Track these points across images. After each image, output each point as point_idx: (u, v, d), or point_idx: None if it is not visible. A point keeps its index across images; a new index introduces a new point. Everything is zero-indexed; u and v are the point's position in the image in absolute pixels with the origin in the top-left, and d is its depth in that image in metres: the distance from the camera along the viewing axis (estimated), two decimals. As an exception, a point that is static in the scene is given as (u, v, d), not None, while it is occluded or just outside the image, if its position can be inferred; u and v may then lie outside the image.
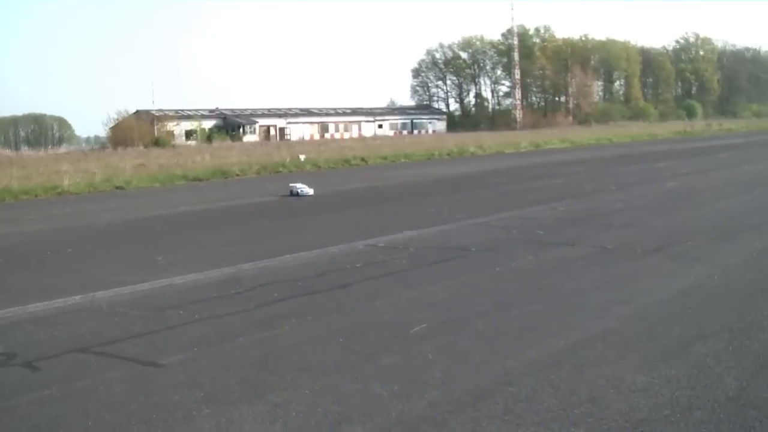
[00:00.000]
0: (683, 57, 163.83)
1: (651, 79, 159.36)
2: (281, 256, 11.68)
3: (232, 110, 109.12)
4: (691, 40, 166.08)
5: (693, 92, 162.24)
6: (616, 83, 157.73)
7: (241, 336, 7.35)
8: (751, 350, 6.46)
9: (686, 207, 16.16)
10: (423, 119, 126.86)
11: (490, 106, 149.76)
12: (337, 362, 6.43)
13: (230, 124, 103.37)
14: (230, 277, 10.35)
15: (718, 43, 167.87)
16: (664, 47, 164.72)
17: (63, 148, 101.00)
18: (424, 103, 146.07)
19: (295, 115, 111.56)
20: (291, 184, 23.57)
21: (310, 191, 22.78)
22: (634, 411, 5.20)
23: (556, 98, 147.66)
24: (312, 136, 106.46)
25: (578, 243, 11.99)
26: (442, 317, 7.78)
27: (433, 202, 19.03)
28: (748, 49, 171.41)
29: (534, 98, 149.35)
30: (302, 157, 39.27)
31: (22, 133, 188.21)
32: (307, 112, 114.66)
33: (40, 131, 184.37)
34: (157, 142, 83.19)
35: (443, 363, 6.28)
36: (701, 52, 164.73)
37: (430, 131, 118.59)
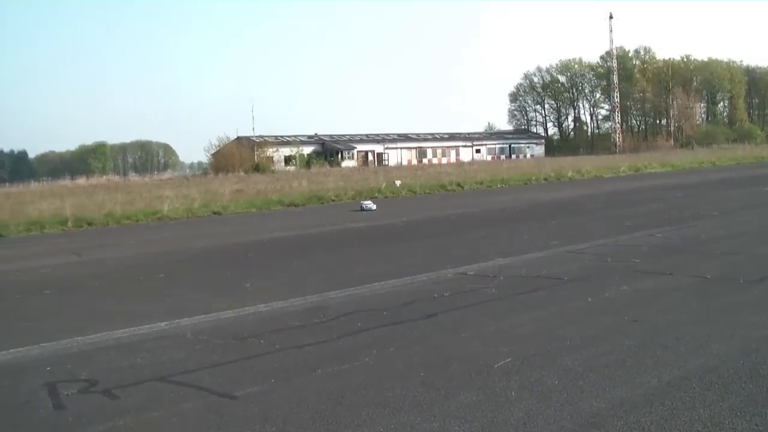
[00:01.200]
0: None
1: (757, 100, 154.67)
2: (369, 284, 11.56)
3: (331, 136, 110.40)
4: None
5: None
6: (720, 104, 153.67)
7: (319, 368, 7.19)
8: None
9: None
10: (521, 144, 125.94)
11: (589, 130, 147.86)
12: (416, 398, 6.21)
13: (329, 150, 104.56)
14: (315, 305, 10.26)
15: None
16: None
17: (167, 174, 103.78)
18: (522, 127, 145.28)
19: (393, 140, 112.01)
20: (362, 202, 28.78)
21: (374, 206, 27.89)
22: (735, 460, 4.84)
23: (657, 121, 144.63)
24: (410, 161, 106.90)
25: (676, 272, 11.47)
26: (528, 351, 7.47)
27: (527, 228, 18.65)
28: None
29: (634, 121, 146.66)
30: (398, 183, 39.32)
31: (130, 160, 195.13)
32: (405, 138, 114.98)
33: (147, 158, 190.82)
34: (257, 168, 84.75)
35: (526, 402, 5.99)
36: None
37: (528, 156, 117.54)
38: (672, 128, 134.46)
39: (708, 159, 63.21)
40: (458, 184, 39.77)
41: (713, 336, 7.78)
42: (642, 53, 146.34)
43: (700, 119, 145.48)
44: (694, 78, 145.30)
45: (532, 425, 5.50)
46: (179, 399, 6.48)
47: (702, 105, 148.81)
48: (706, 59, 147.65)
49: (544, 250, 14.32)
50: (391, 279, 11.89)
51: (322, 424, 5.72)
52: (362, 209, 27.43)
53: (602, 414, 5.68)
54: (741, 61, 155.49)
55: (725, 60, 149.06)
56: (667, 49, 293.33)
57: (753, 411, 5.65)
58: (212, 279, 13.44)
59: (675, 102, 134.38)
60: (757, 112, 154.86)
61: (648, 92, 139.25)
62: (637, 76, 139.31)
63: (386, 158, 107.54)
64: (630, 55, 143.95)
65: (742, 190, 28.69)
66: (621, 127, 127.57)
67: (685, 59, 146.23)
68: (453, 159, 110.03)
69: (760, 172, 42.79)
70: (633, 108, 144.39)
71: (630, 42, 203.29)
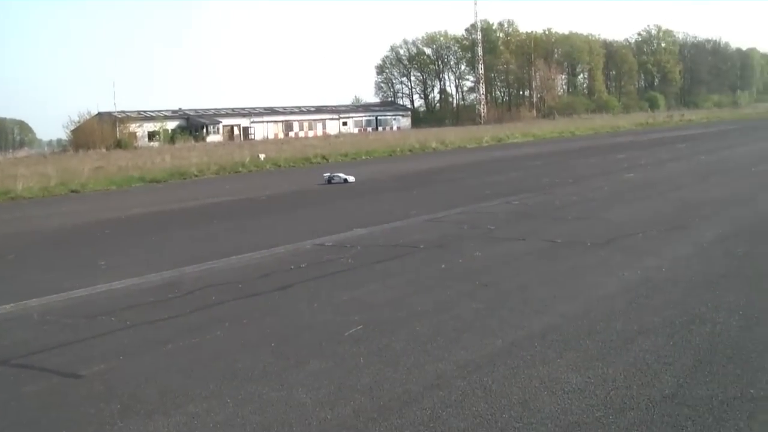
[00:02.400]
0: (645, 49, 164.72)
1: (614, 72, 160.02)
2: (226, 258, 11.43)
3: (196, 110, 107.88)
4: (653, 32, 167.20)
5: (655, 84, 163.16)
6: (580, 76, 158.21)
7: (170, 343, 7.09)
8: (692, 345, 6.33)
9: (641, 198, 16.06)
10: (387, 116, 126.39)
11: (455, 102, 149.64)
12: (265, 368, 6.21)
13: (193, 125, 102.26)
14: (171, 280, 10.09)
15: (680, 36, 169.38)
16: (626, 40, 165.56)
17: (23, 152, 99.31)
18: (389, 99, 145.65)
19: (259, 114, 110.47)
20: (329, 174, 25.73)
21: (351, 178, 25.09)
22: (566, 414, 5.05)
23: (521, 92, 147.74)
24: (276, 135, 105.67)
25: (529, 237, 11.85)
26: (379, 318, 7.57)
27: (388, 199, 18.83)
28: (708, 41, 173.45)
29: (498, 93, 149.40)
30: (262, 157, 38.93)
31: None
32: (271, 111, 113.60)
33: (0, 135, 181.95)
34: (119, 144, 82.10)
35: (374, 367, 6.08)
36: (663, 45, 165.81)
37: (395, 128, 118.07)
38: (535, 99, 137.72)
39: (568, 129, 65.15)
40: (323, 157, 39.66)
41: (558, 297, 8.09)
42: (505, 26, 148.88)
43: (562, 90, 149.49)
44: (556, 50, 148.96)
45: (379, 389, 5.58)
46: (19, 382, 6.24)
47: (563, 77, 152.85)
48: (567, 32, 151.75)
49: (404, 220, 14.49)
50: (249, 252, 11.78)
51: (169, 398, 5.65)
52: (330, 182, 24.99)
53: (447, 375, 5.82)
54: (599, 34, 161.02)
55: (585, 34, 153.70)
56: (529, 23, 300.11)
57: (587, 365, 5.92)
58: (65, 258, 13.02)
59: (537, 74, 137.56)
60: (614, 84, 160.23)
61: (512, 64, 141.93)
62: (501, 48, 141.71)
63: (252, 132, 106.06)
64: (494, 27, 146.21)
65: (598, 158, 29.75)
66: (486, 99, 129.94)
67: (547, 32, 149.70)
68: (320, 132, 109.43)
69: (616, 141, 44.49)
70: (497, 80, 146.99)
71: (494, 15, 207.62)
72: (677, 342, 6.42)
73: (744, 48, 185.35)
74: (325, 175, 25.89)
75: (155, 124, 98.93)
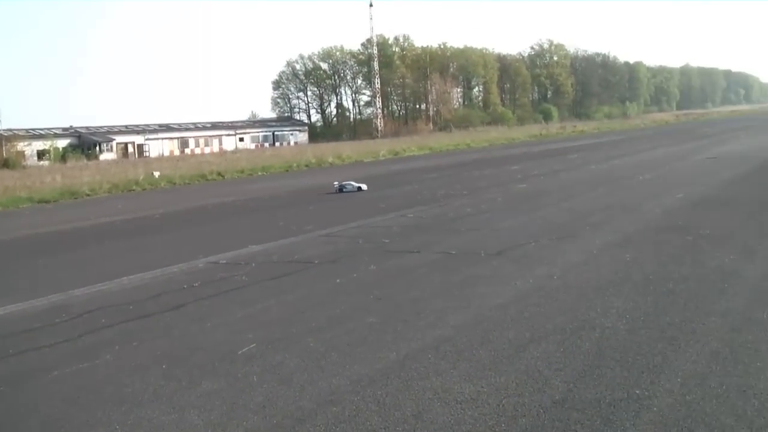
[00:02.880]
0: (538, 63, 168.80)
1: (508, 85, 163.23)
2: (117, 279, 11.15)
3: (88, 128, 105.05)
4: (546, 46, 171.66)
5: (549, 96, 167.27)
6: (475, 89, 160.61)
7: (56, 369, 6.86)
8: (581, 350, 6.46)
9: (534, 208, 16.37)
10: (284, 131, 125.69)
11: (352, 116, 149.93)
12: (156, 391, 6.07)
13: (86, 143, 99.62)
14: (59, 304, 9.76)
15: (571, 49, 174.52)
16: (520, 54, 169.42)
17: None
18: (286, 115, 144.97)
19: (154, 131, 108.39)
20: (339, 183, 24.80)
21: (363, 186, 24.36)
22: (459, 424, 5.08)
23: (417, 106, 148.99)
24: (172, 152, 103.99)
25: (423, 250, 11.93)
26: (273, 335, 7.51)
27: (283, 215, 18.68)
28: (598, 55, 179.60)
29: (395, 107, 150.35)
30: (156, 174, 38.25)
31: None
32: (167, 128, 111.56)
33: None
34: (6, 164, 79.26)
35: (268, 385, 6.02)
36: (555, 58, 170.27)
37: (292, 143, 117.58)
38: (431, 113, 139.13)
39: (464, 141, 66.11)
40: (219, 174, 39.21)
41: (451, 308, 8.17)
42: (401, 41, 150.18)
43: (457, 103, 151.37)
44: (451, 64, 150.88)
45: (272, 408, 5.52)
46: None
47: (459, 90, 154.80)
48: (462, 47, 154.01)
49: (299, 235, 14.42)
50: (140, 272, 11.52)
51: (52, 429, 5.46)
52: (341, 191, 24.17)
53: (340, 391, 5.79)
54: (493, 48, 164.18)
55: (479, 48, 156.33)
56: (425, 37, 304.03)
57: (480, 375, 5.99)
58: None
59: (433, 87, 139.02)
60: (508, 97, 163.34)
61: (408, 78, 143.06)
62: (397, 62, 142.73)
63: (147, 150, 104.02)
64: (390, 42, 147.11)
65: (492, 170, 30.24)
66: (382, 113, 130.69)
67: (442, 47, 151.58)
68: (216, 148, 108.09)
69: (510, 152, 45.35)
70: (394, 93, 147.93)
71: (390, 30, 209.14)
72: (568, 348, 6.55)
73: (631, 61, 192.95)
74: (335, 183, 25.11)
75: (45, 142, 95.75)
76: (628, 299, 8.10)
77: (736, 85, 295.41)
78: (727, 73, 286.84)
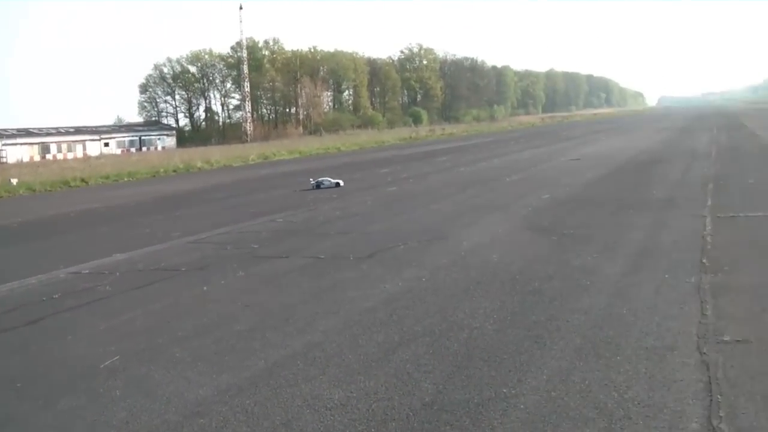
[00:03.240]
0: (408, 67, 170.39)
1: (378, 89, 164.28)
2: (-31, 294, 10.56)
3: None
4: (415, 50, 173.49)
5: (418, 100, 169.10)
6: (345, 93, 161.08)
7: None
8: (450, 351, 6.51)
9: (403, 211, 16.46)
10: (152, 136, 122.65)
11: (221, 120, 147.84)
12: (8, 414, 5.76)
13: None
14: None
15: (440, 53, 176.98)
16: (390, 57, 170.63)
17: None
18: (153, 119, 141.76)
19: (12, 136, 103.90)
20: (315, 180, 24.25)
21: (339, 182, 24.11)
22: (329, 431, 5.05)
23: (287, 109, 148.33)
24: (32, 157, 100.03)
25: (292, 255, 11.82)
26: (138, 347, 7.26)
27: (149, 222, 18.16)
28: (466, 59, 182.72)
29: (265, 110, 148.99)
30: (14, 181, 36.65)
31: None
32: (26, 133, 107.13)
33: None
34: None
35: (131, 399, 5.82)
36: (425, 62, 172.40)
37: (160, 148, 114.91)
38: (301, 116, 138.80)
39: (334, 145, 66.07)
40: (83, 180, 37.79)
41: (321, 313, 8.10)
42: (271, 44, 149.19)
43: (328, 107, 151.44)
44: (321, 68, 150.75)
45: (135, 423, 5.35)
46: None
47: (329, 93, 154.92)
48: (332, 50, 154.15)
49: (166, 242, 14.04)
50: (-6, 285, 10.98)
51: None
52: (318, 187, 23.44)
53: (207, 402, 5.66)
54: (364, 52, 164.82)
55: (349, 52, 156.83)
56: (295, 41, 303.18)
57: (350, 380, 5.96)
58: None
59: (303, 91, 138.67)
60: (378, 100, 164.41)
61: (278, 82, 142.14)
62: (267, 66, 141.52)
63: (5, 156, 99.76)
64: (260, 45, 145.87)
65: (362, 173, 30.24)
66: (252, 117, 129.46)
67: (312, 50, 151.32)
68: (80, 154, 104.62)
69: (380, 155, 45.58)
70: (263, 97, 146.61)
71: (260, 33, 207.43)
72: (437, 349, 6.59)
73: (499, 66, 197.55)
74: (312, 181, 24.23)
75: None
76: (495, 299, 8.22)
77: (598, 89, 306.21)
78: (590, 78, 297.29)
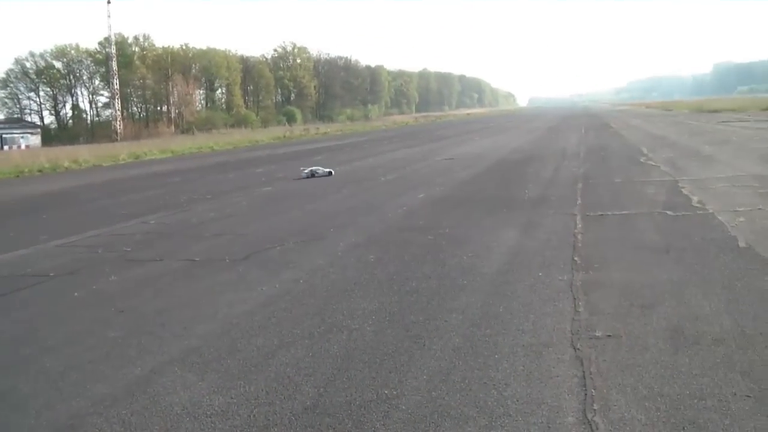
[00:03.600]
0: (282, 65, 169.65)
1: (252, 87, 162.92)
2: None
3: None
4: (288, 48, 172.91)
5: (292, 99, 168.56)
6: (218, 91, 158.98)
7: None
8: (330, 354, 6.49)
9: (279, 211, 16.32)
10: (14, 134, 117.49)
11: (89, 118, 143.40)
12: None
13: None
14: None
15: (314, 52, 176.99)
16: (263, 56, 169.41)
17: None
18: (15, 116, 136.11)
19: None
20: (308, 168, 25.58)
21: (329, 170, 25.72)
22: (209, 438, 4.92)
23: (159, 108, 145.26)
24: None
25: (167, 258, 11.54)
26: (3, 359, 6.96)
27: (14, 225, 17.40)
28: (340, 58, 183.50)
29: (135, 108, 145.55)
30: None
31: None
32: None
33: None
34: None
35: (-3, 415, 5.53)
36: (298, 61, 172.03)
37: (23, 146, 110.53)
38: (173, 115, 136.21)
39: (207, 144, 65.01)
40: (-69, 182, 35.99)
41: (198, 317, 7.95)
42: (141, 40, 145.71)
43: (200, 106, 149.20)
44: (194, 66, 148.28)
45: (3, 439, 5.09)
46: None
47: (201, 92, 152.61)
48: (204, 48, 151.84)
49: (31, 246, 13.41)
50: None
51: None
52: (313, 176, 24.72)
53: (81, 414, 5.48)
54: (237, 50, 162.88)
55: (222, 49, 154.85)
56: (166, 37, 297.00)
57: (229, 386, 5.88)
58: None
59: (175, 89, 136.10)
60: (252, 99, 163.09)
61: (149, 79, 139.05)
62: (137, 63, 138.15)
63: None
64: (129, 41, 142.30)
65: (237, 173, 29.90)
66: (122, 115, 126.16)
67: (184, 47, 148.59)
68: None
69: (254, 155, 45.13)
70: (134, 95, 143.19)
71: (129, 28, 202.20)
72: (316, 352, 6.56)
73: (373, 65, 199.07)
74: (303, 170, 24.92)
75: None
76: (373, 300, 8.25)
77: (470, 89, 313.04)
78: (462, 78, 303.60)
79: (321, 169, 25.31)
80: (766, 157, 21.99)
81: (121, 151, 55.46)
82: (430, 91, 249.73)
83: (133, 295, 9.21)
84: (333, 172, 25.23)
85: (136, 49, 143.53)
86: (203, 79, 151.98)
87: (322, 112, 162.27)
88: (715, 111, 75.16)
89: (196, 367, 6.37)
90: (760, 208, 12.86)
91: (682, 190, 15.78)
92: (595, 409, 5.13)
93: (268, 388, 5.80)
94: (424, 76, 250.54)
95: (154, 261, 11.36)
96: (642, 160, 23.79)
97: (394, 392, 5.59)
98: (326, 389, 5.71)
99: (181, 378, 6.10)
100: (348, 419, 5.17)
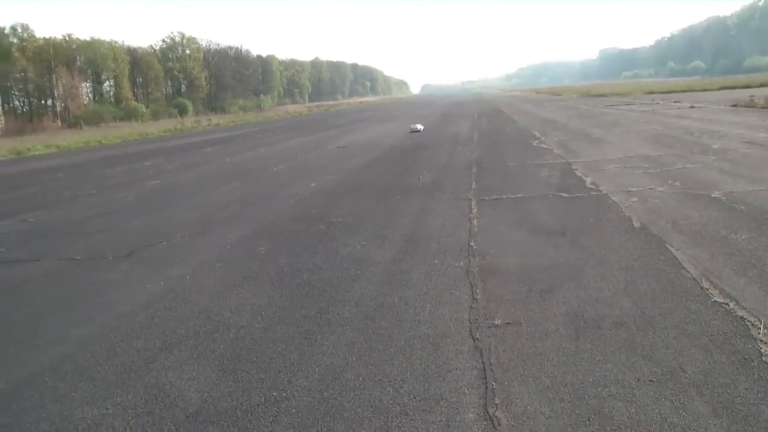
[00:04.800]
0: (171, 56, 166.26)
1: (141, 79, 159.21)
2: None
3: None
4: (177, 39, 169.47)
5: (183, 90, 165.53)
6: (106, 84, 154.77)
7: None
8: (216, 355, 6.12)
9: (166, 205, 15.68)
10: None
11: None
12: None
13: None
14: None
15: (203, 43, 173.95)
16: (151, 47, 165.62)
17: None
18: None
19: None
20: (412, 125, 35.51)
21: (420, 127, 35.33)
22: (75, 458, 4.47)
23: (43, 102, 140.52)
24: None
25: (44, 257, 10.85)
26: None
27: None
28: (231, 48, 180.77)
29: (17, 103, 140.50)
30: None
31: None
32: None
33: None
34: None
35: None
36: (188, 52, 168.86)
37: None
38: (59, 109, 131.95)
39: (95, 138, 63.02)
40: None
41: (74, 321, 7.44)
42: (20, 31, 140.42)
43: (87, 99, 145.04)
44: (78, 57, 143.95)
45: None
46: None
47: (88, 84, 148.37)
48: (89, 39, 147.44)
49: None
50: None
51: None
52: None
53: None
54: (123, 41, 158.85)
55: (108, 40, 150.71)
56: (48, 28, 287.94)
57: (105, 395, 5.47)
58: None
59: (60, 82, 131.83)
60: (141, 91, 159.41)
61: (30, 72, 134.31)
62: (17, 54, 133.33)
63: None
64: (6, 32, 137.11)
65: (124, 167, 28.85)
66: (3, 110, 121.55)
67: (67, 38, 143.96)
68: None
69: (143, 148, 43.86)
70: (15, 89, 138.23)
71: (6, 19, 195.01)
72: (201, 353, 6.18)
73: (264, 55, 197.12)
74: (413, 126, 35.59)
75: None
76: (262, 295, 7.87)
77: (363, 77, 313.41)
78: (354, 67, 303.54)
79: (419, 126, 35.88)
80: (652, 138, 22.40)
81: (2, 147, 53.23)
82: (323, 81, 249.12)
83: (3, 300, 8.56)
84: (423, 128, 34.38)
85: (15, 40, 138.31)
86: (89, 72, 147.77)
87: (214, 104, 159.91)
88: (602, 95, 77.16)
89: (69, 376, 5.89)
90: (651, 188, 12.97)
91: (576, 172, 15.85)
92: (496, 404, 4.90)
93: (148, 395, 5.39)
94: (316, 65, 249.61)
95: (31, 261, 10.65)
96: (534, 143, 23.93)
97: (284, 394, 5.25)
98: (210, 394, 5.34)
99: (51, 389, 5.62)
100: (234, 426, 4.82)
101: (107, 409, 5.21)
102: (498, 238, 9.87)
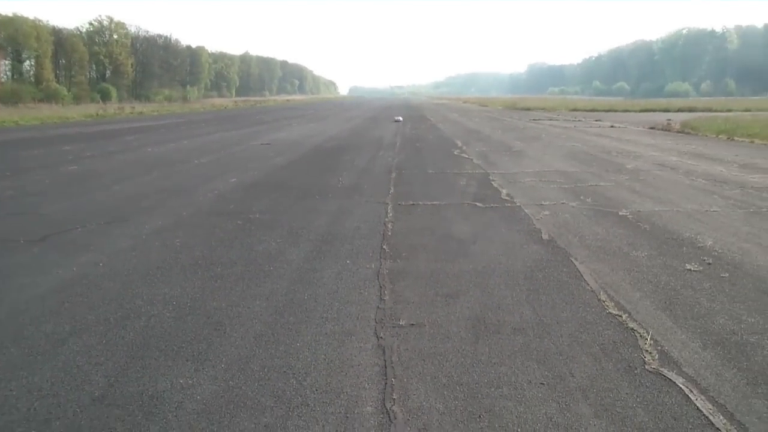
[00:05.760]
0: (97, 40, 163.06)
1: (64, 61, 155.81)
2: None
3: None
4: (105, 23, 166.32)
5: (108, 76, 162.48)
6: (26, 63, 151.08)
7: None
8: (125, 341, 6.21)
9: (83, 192, 15.53)
10: None
11: None
12: None
13: None
14: None
15: (132, 29, 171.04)
16: (77, 29, 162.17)
17: None
18: None
19: None
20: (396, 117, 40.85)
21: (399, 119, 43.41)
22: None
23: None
24: None
25: (-46, 237, 10.71)
26: None
27: None
28: (160, 36, 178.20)
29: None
30: None
31: None
32: None
33: None
34: None
35: None
36: (115, 37, 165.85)
37: None
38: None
39: (12, 119, 61.58)
40: None
41: (-17, 303, 7.40)
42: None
43: (5, 77, 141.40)
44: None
45: None
46: None
47: (7, 62, 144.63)
48: (11, 15, 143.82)
49: None
50: None
51: None
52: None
53: None
54: (48, 20, 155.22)
55: (32, 18, 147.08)
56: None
57: (11, 376, 5.60)
58: None
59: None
60: (64, 73, 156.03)
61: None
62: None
63: None
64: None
65: (43, 150, 28.31)
66: None
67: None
68: None
69: (63, 132, 42.98)
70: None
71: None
72: (110, 339, 6.26)
73: (194, 46, 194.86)
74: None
75: None
76: (176, 285, 7.97)
77: (292, 75, 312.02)
78: (284, 64, 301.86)
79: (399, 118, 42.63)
80: (570, 155, 23.05)
81: None
82: (251, 76, 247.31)
83: None
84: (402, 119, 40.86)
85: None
86: (9, 49, 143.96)
87: (138, 91, 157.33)
88: (528, 109, 78.68)
89: (-26, 357, 5.90)
90: (563, 203, 13.43)
91: (492, 183, 16.25)
92: (394, 399, 5.12)
93: (54, 378, 5.46)
94: (245, 60, 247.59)
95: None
96: (456, 152, 24.37)
97: (190, 381, 5.39)
98: (117, 379, 5.44)
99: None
100: (138, 411, 4.94)
101: (11, 390, 5.26)
102: (411, 242, 10.13)
